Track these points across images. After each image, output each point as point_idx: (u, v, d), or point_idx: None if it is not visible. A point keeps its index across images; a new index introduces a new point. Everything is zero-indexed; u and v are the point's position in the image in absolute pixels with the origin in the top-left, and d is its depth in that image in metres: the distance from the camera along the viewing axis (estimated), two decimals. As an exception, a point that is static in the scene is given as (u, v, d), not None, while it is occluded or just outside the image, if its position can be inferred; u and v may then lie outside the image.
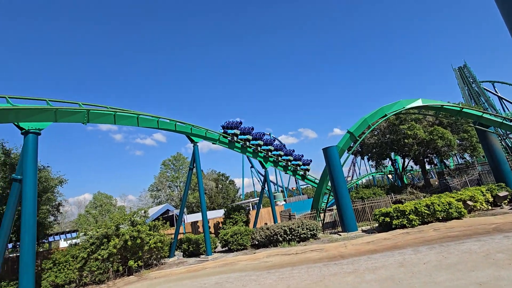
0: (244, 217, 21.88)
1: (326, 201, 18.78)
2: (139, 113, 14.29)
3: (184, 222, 28.65)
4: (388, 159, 28.88)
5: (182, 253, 17.93)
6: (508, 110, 52.10)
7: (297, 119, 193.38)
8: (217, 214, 33.66)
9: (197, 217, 32.40)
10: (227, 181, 60.43)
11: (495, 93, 52.47)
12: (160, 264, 15.24)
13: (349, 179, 72.65)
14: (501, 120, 17.06)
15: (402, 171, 29.97)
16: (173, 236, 17.39)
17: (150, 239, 14.15)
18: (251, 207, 44.21)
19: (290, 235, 13.92)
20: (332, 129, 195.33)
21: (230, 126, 19.39)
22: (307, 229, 13.82)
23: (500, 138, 24.53)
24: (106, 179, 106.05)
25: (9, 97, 9.89)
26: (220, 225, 23.16)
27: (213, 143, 18.58)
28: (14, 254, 13.83)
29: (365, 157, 28.89)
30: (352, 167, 76.30)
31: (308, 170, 25.72)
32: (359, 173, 73.47)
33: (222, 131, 19.25)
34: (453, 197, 13.38)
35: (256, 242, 15.51)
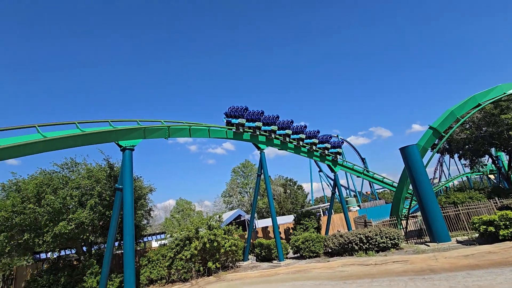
0: (315, 223, 21.24)
1: (408, 206, 16.73)
2: (210, 125, 15.52)
3: (255, 227, 29.51)
4: (487, 156, 24.11)
5: (255, 257, 18.43)
6: None
7: (367, 117, 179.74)
8: (286, 220, 33.56)
9: (267, 222, 32.94)
10: (295, 186, 59.91)
11: None
12: (236, 267, 15.97)
13: (435, 181, 63.45)
14: None
15: (508, 170, 24.58)
16: (245, 240, 18.07)
17: (225, 243, 15.01)
18: (321, 213, 42.69)
19: (367, 244, 12.86)
20: (410, 125, 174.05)
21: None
22: (386, 237, 12.56)
23: None
24: (186, 186, 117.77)
25: (111, 121, 12.03)
26: (291, 230, 23.00)
27: (279, 149, 18.75)
28: (120, 251, 16.44)
29: (455, 156, 24.75)
30: (438, 168, 66.54)
31: (339, 153, 21.09)
32: (449, 174, 63.39)
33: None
34: None
35: (329, 250, 14.84)
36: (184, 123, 14.64)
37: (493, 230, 10.82)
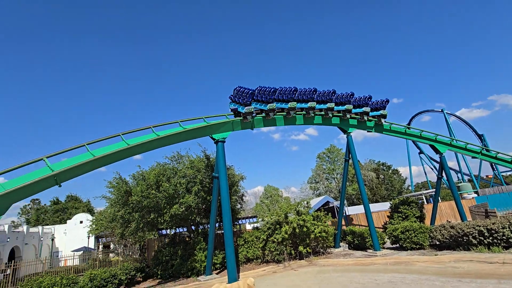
0: (417, 211, 18.87)
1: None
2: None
3: (346, 214, 28.38)
4: None
5: (347, 245, 17.84)
6: None
7: (484, 84, 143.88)
8: (381, 207, 30.99)
9: (358, 209, 31.19)
10: (390, 171, 54.32)
11: None
12: (327, 253, 15.86)
13: None
14: None
15: None
16: (335, 227, 17.64)
17: (314, 229, 15.05)
18: (424, 200, 37.53)
19: (490, 238, 10.62)
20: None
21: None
22: (519, 232, 10.07)
23: None
24: (272, 173, 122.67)
25: (205, 117, 13.56)
26: (387, 219, 21.13)
27: (368, 131, 17.28)
28: (220, 231, 18.64)
29: None
30: None
31: (383, 116, 16.94)
32: None
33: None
34: None
35: (437, 242, 13.01)
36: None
37: None
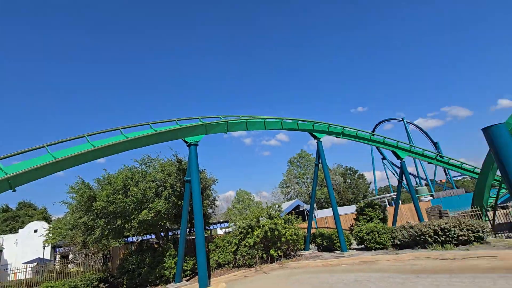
0: (380, 213, 20.02)
1: (495, 196, 14.49)
2: (265, 117, 15.83)
3: (315, 217, 29.25)
4: None
5: (316, 247, 18.37)
6: None
7: (438, 96, 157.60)
8: (347, 210, 32.39)
9: (326, 213, 32.32)
10: (356, 175, 57.04)
11: None
12: (297, 256, 16.21)
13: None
14: None
15: None
16: (306, 230, 18.10)
17: (286, 231, 15.33)
18: (387, 203, 39.93)
19: (443, 237, 11.63)
20: (495, 101, 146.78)
21: None
22: (467, 230, 11.15)
23: None
24: (244, 178, 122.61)
25: (177, 120, 13.29)
26: (353, 221, 22.15)
27: (336, 137, 18.09)
28: (191, 237, 18.23)
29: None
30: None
31: None
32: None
33: None
34: None
35: (398, 242, 13.90)
36: (241, 117, 15.24)
37: None
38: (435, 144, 58.28)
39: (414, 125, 59.88)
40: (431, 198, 38.79)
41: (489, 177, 13.66)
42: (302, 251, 17.41)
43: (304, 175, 50.39)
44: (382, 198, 42.30)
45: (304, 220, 29.88)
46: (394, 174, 55.84)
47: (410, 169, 58.25)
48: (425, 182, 59.81)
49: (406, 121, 58.43)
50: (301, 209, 34.64)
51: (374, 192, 58.80)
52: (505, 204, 15.43)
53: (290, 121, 16.62)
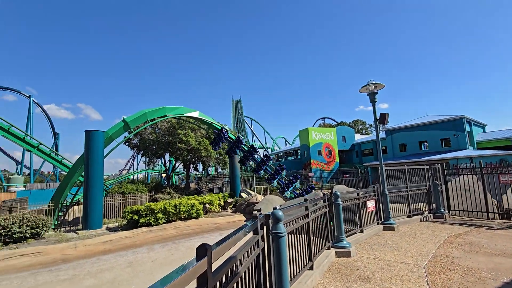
0: None
1: (75, 193, 15.72)
2: None
3: None
4: (162, 158, 29.91)
5: None
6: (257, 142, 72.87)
7: (75, 91, 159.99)
8: None
9: None
10: None
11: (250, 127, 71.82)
12: None
13: (124, 172, 68.47)
14: (247, 149, 22.77)
15: (171, 171, 32.11)
16: None
17: None
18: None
19: (-5, 235, 9.94)
20: (121, 115, 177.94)
21: None
22: (27, 226, 10.51)
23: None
24: None
25: None
26: None
27: None
28: None
29: (141, 153, 28.12)
30: (131, 161, 73.20)
31: None
32: (137, 167, 71.31)
33: None
34: (198, 200, 15.66)
35: None
36: None
37: (137, 218, 12.84)
38: (56, 134, 55.79)
39: (40, 107, 53.59)
40: (23, 189, 34.63)
41: (76, 174, 14.66)
42: None
43: None
44: None
45: None
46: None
47: (19, 154, 49.16)
48: (29, 171, 53.82)
49: (34, 100, 50.87)
50: None
51: None
52: (80, 201, 17.22)
53: None
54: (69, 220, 15.85)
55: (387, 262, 5.30)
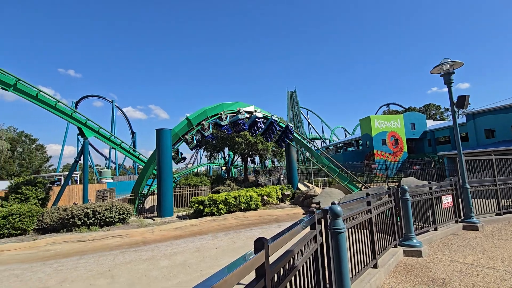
0: (42, 193, 17.21)
1: (150, 184, 17.86)
2: None
3: None
4: (221, 152, 31.65)
5: None
6: (312, 132, 71.21)
7: (147, 94, 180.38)
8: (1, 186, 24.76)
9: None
10: (34, 145, 46.33)
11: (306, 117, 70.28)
12: None
13: (189, 165, 74.73)
14: (299, 138, 22.48)
15: (230, 165, 33.76)
16: None
17: None
18: (62, 181, 35.95)
19: (93, 219, 12.00)
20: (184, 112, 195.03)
21: None
22: (116, 212, 12.41)
23: (298, 152, 32.54)
24: None
25: None
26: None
27: (3, 89, 13.20)
28: None
29: (203, 148, 30.21)
30: (195, 155, 79.31)
31: None
32: (200, 161, 76.99)
33: None
34: (256, 192, 16.14)
35: (45, 226, 12.36)
36: None
37: (202, 207, 13.93)
38: (133, 133, 63.75)
39: (122, 111, 61.76)
40: (111, 180, 40.86)
41: (150, 168, 16.62)
42: None
43: None
44: (60, 175, 37.76)
45: None
46: (90, 153, 52.77)
47: (108, 150, 58.17)
48: (115, 165, 62.84)
49: (116, 105, 58.79)
50: None
51: (53, 168, 51.23)
52: (155, 191, 19.51)
53: None
54: (147, 208, 18.14)
55: (468, 265, 4.65)
